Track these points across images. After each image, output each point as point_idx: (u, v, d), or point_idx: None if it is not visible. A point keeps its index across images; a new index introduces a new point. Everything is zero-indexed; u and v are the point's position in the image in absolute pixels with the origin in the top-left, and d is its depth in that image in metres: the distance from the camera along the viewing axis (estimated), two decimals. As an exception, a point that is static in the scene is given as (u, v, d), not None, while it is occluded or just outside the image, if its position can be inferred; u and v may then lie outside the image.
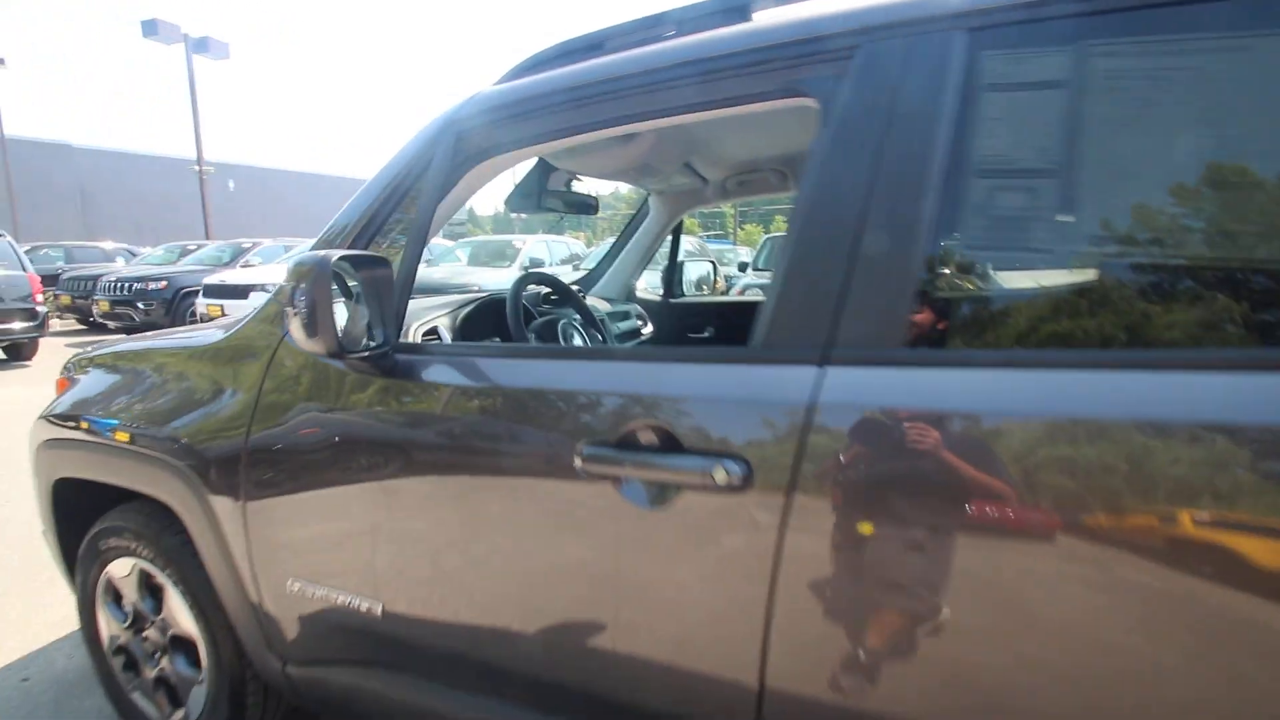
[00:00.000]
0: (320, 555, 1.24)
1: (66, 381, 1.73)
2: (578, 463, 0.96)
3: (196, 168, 16.10)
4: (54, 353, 7.98)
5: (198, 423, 1.35)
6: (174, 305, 9.21)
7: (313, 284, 1.00)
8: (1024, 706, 0.74)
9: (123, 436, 1.42)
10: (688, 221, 2.68)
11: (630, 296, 2.70)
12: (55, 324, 11.17)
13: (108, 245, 14.44)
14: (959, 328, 0.82)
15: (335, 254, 1.03)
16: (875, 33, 0.87)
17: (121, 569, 1.58)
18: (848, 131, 0.87)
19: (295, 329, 1.03)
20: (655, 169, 2.02)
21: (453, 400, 1.10)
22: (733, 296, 5.67)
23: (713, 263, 3.08)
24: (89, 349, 1.77)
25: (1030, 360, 0.77)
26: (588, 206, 2.11)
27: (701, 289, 3.02)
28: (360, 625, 1.23)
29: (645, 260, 2.68)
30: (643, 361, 1.00)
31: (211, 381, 1.38)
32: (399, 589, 1.18)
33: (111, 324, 9.50)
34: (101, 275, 10.10)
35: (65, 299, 10.81)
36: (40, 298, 7.55)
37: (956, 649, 0.77)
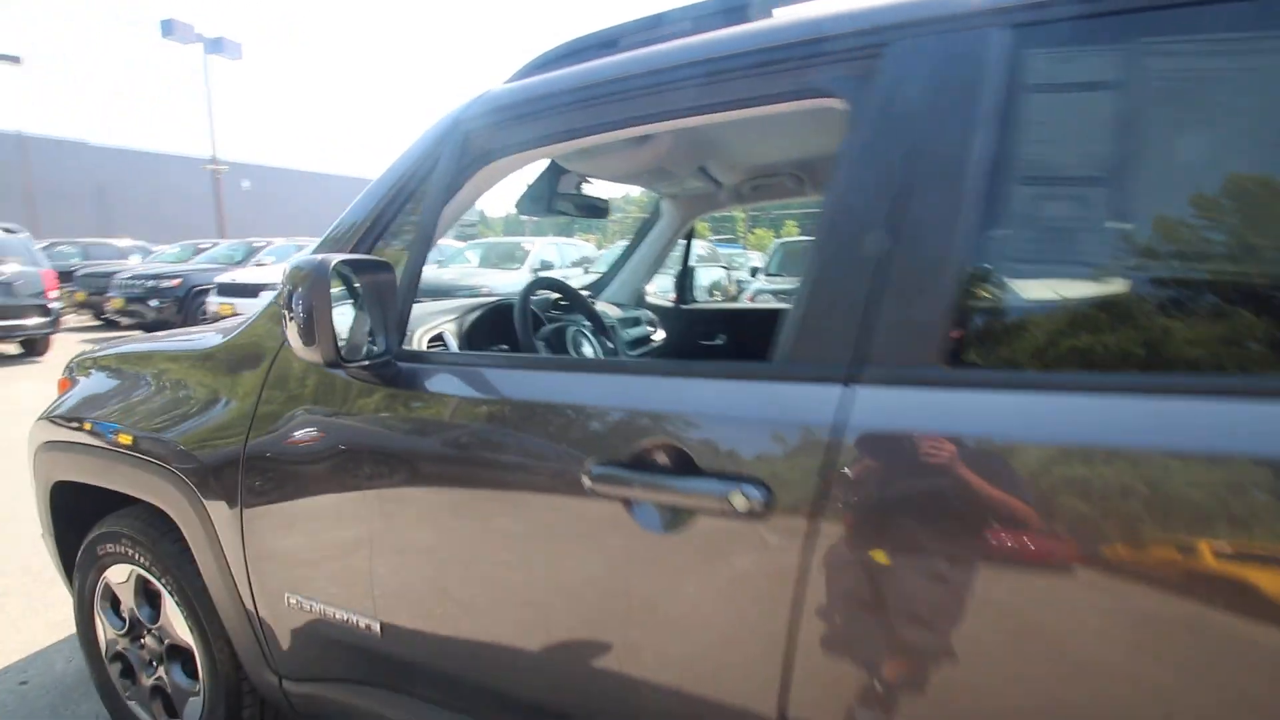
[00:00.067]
0: (317, 569, 1.20)
1: (68, 382, 1.71)
2: (586, 482, 0.91)
3: (211, 167, 16.22)
4: (68, 349, 8.03)
5: (196, 428, 1.32)
6: (186, 303, 9.25)
7: (310, 289, 0.96)
8: None
9: (126, 439, 1.39)
10: (698, 225, 2.62)
11: (641, 302, 2.65)
12: (70, 320, 11.27)
13: (123, 243, 14.55)
14: (1000, 346, 0.75)
15: (335, 258, 0.99)
16: (909, 28, 0.82)
17: (119, 575, 1.55)
18: (879, 133, 0.81)
19: (293, 336, 0.99)
20: (669, 172, 1.97)
21: (456, 412, 1.05)
22: (746, 304, 5.61)
23: (725, 268, 3.02)
24: (91, 350, 1.74)
25: (1078, 384, 0.70)
26: (599, 210, 2.07)
27: (713, 294, 2.96)
28: (358, 643, 1.19)
29: (657, 265, 2.63)
30: (657, 376, 0.94)
31: (211, 386, 1.35)
32: (398, 607, 1.13)
33: (124, 321, 9.56)
34: (116, 272, 10.18)
35: (80, 295, 10.91)
36: (55, 294, 7.61)
37: (994, 695, 0.71)
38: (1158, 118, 0.73)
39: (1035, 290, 0.77)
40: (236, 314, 6.10)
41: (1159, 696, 0.64)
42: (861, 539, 0.76)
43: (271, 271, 8.82)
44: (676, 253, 2.67)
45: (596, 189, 2.03)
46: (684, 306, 2.71)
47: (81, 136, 29.81)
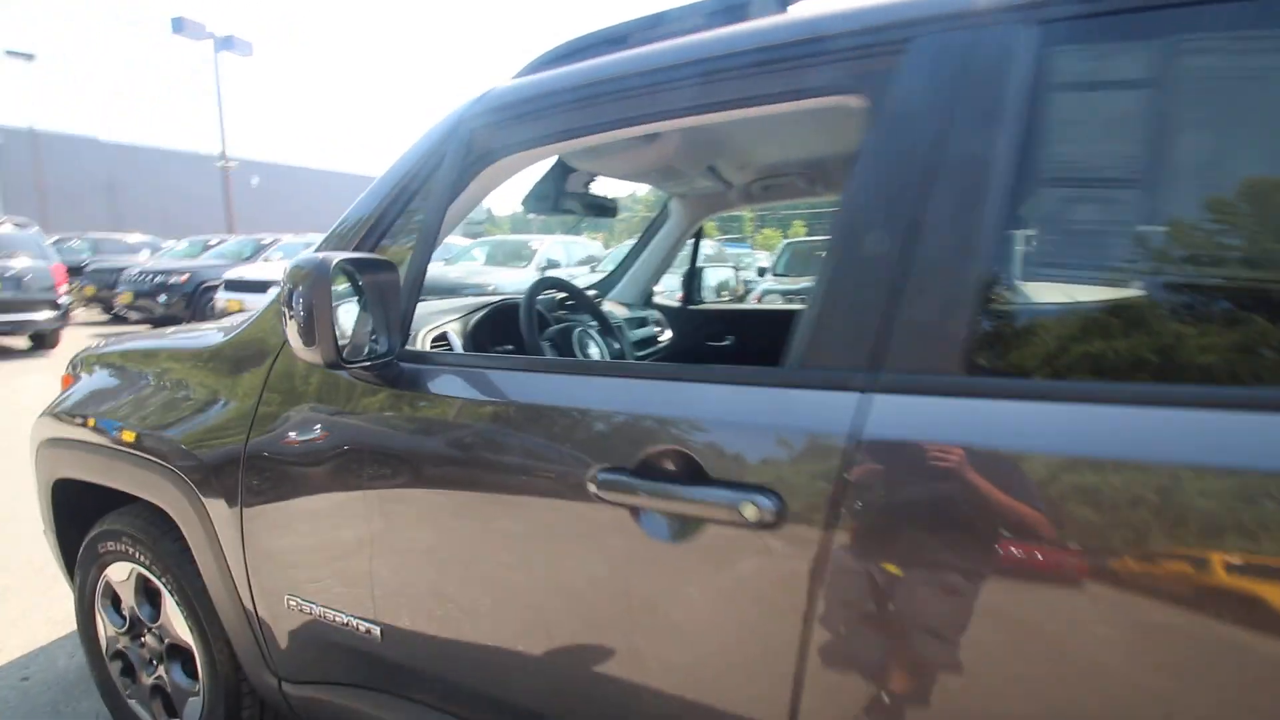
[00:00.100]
0: (317, 571, 1.19)
1: (71, 378, 1.70)
2: (591, 488, 0.89)
3: (221, 164, 16.30)
4: (77, 343, 8.06)
5: (197, 426, 1.30)
6: (195, 299, 9.29)
7: (311, 288, 0.94)
8: None
9: (129, 436, 1.38)
10: (705, 225, 2.59)
11: (648, 302, 2.63)
12: (80, 314, 11.34)
13: (133, 238, 14.64)
14: (1025, 354, 0.72)
15: (336, 256, 0.97)
16: (934, 24, 0.78)
17: (120, 573, 1.54)
18: (900, 132, 0.79)
19: (293, 336, 0.97)
20: (678, 171, 1.94)
21: (459, 415, 1.03)
22: (754, 305, 5.57)
23: (734, 268, 2.99)
24: (95, 346, 1.74)
25: (1108, 395, 0.67)
26: (606, 209, 2.04)
27: (721, 294, 2.93)
28: (358, 646, 1.18)
29: (665, 265, 2.60)
30: (665, 380, 0.91)
31: (213, 384, 1.34)
32: (399, 612, 1.12)
33: (133, 316, 9.61)
34: (125, 267, 10.23)
35: (90, 290, 10.97)
36: (64, 288, 7.64)
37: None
38: (1193, 119, 0.70)
39: (1062, 296, 0.74)
40: (245, 310, 6.12)
41: (1186, 717, 0.62)
42: (877, 552, 0.73)
43: (279, 268, 8.85)
44: (684, 252, 2.65)
45: (604, 187, 2.01)
46: (691, 307, 2.69)
47: (92, 133, 30.03)
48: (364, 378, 1.10)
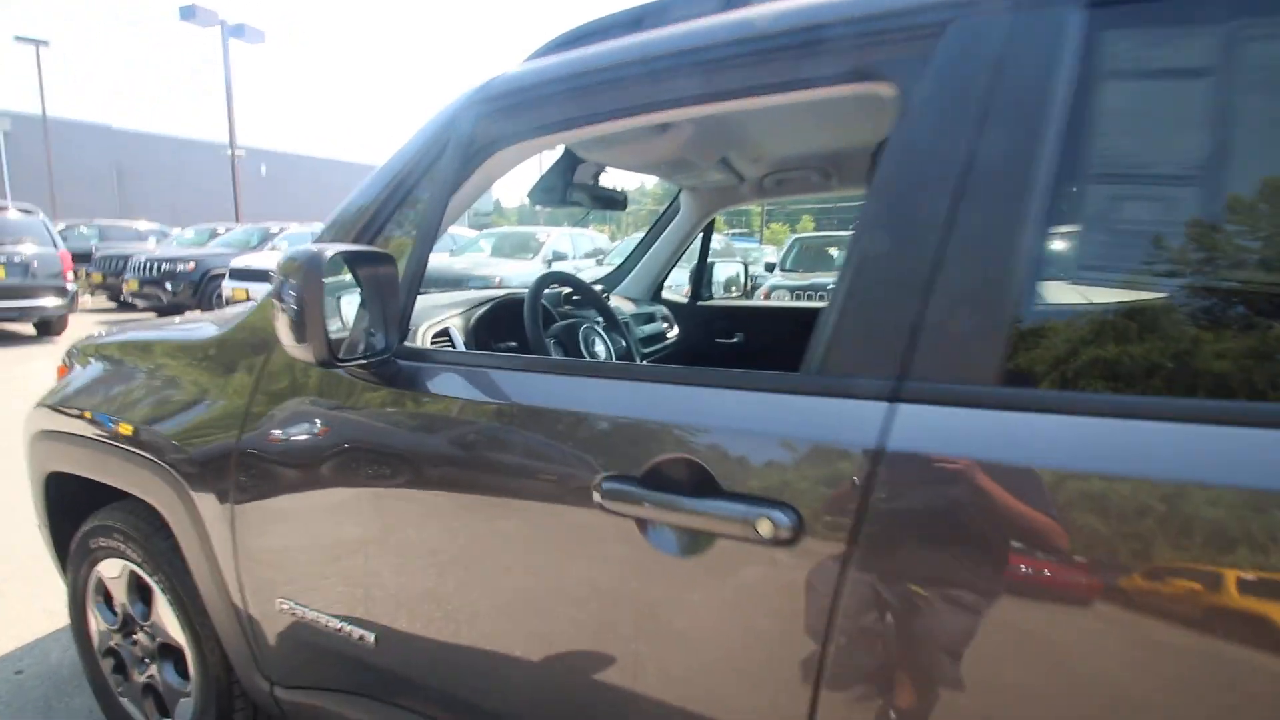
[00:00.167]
0: (309, 573, 1.15)
1: (66, 369, 1.66)
2: (596, 496, 0.84)
3: (229, 151, 16.28)
4: (84, 330, 8.08)
5: (190, 420, 1.26)
6: (201, 287, 9.29)
7: (303, 281, 0.89)
8: None
9: (126, 430, 1.34)
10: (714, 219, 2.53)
11: (656, 297, 2.58)
12: (87, 301, 11.37)
13: (141, 225, 14.66)
14: (1065, 365, 0.66)
15: (330, 248, 0.92)
16: (975, 6, 0.72)
17: (112, 569, 1.50)
18: (935, 123, 0.72)
19: (283, 332, 0.92)
20: (691, 163, 1.88)
21: (458, 416, 0.98)
22: (763, 302, 5.50)
23: (744, 264, 2.94)
24: (92, 336, 1.70)
25: (1159, 411, 0.61)
26: (615, 202, 1.99)
27: (730, 290, 2.87)
28: (351, 652, 1.13)
29: (674, 259, 2.55)
30: (676, 384, 0.86)
31: (207, 378, 1.29)
32: (393, 618, 1.07)
33: (140, 303, 9.62)
34: (132, 255, 10.24)
35: (97, 277, 10.99)
36: (71, 275, 7.64)
37: None
38: (1261, 111, 0.64)
39: (1110, 302, 0.68)
40: (251, 299, 6.10)
41: None
42: (901, 574, 0.68)
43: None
44: (692, 247, 2.59)
45: (613, 179, 1.95)
46: (699, 303, 2.63)
47: (103, 119, 30.08)
48: (360, 375, 1.05)
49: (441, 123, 1.10)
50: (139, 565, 1.42)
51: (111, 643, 1.56)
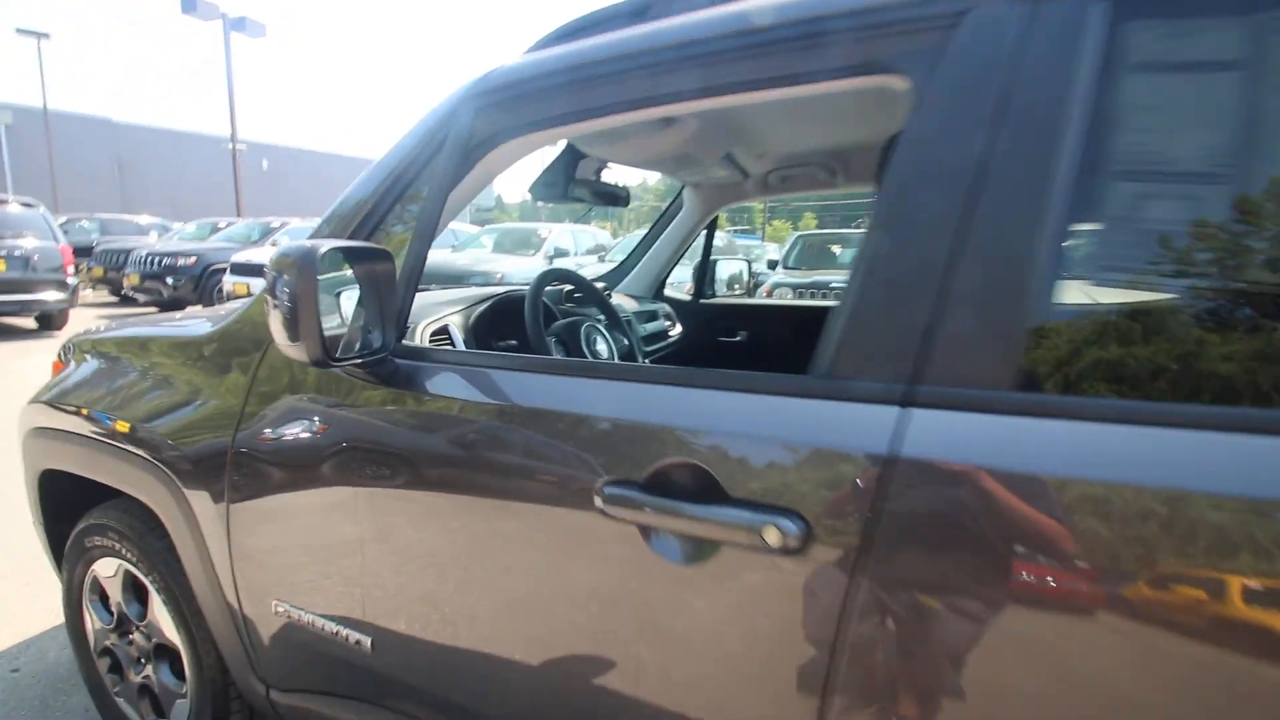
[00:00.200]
0: (304, 576, 1.13)
1: (62, 365, 1.64)
2: (598, 502, 0.82)
3: (230, 146, 16.24)
4: (85, 324, 8.07)
5: (185, 418, 1.24)
6: (202, 281, 9.26)
7: (297, 278, 0.86)
8: None
9: (123, 427, 1.32)
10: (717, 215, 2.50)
11: (659, 295, 2.55)
12: (88, 295, 11.35)
13: (143, 219, 14.63)
14: (1087, 369, 0.64)
15: (325, 244, 0.89)
16: None
17: (107, 568, 1.49)
18: (950, 117, 0.70)
19: (276, 330, 0.89)
20: (695, 159, 1.85)
21: (456, 417, 0.96)
22: (767, 300, 5.46)
23: (748, 261, 2.91)
24: (88, 332, 1.68)
25: (1186, 418, 0.59)
26: (617, 198, 1.96)
27: (733, 288, 2.84)
28: (347, 656, 1.12)
29: (677, 257, 2.52)
30: (681, 386, 0.83)
31: (202, 376, 1.27)
32: (390, 621, 1.05)
33: (141, 298, 9.60)
34: (133, 249, 10.21)
35: (98, 271, 10.96)
36: (71, 269, 7.62)
37: None
38: None
39: (1133, 305, 0.65)
40: (252, 293, 6.07)
41: None
42: (915, 585, 0.66)
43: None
44: (695, 244, 2.56)
45: (616, 175, 1.92)
46: (702, 301, 2.61)
47: (104, 113, 30.05)
48: (357, 375, 1.03)
49: (440, 116, 1.08)
50: (134, 565, 1.40)
51: (107, 642, 1.54)
